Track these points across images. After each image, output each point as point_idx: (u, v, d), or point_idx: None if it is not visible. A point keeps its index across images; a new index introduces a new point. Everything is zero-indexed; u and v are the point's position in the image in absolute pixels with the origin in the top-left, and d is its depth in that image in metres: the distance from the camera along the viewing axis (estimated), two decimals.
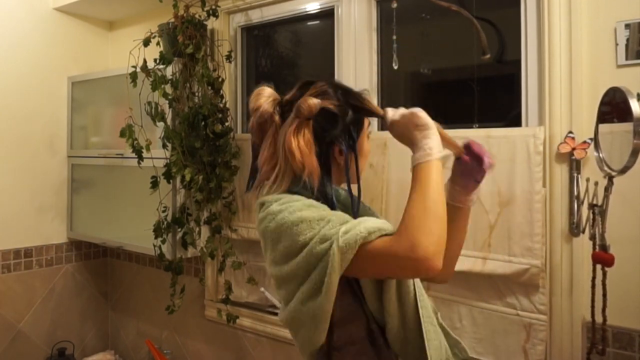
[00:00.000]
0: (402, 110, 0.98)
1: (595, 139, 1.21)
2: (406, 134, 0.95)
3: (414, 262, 0.81)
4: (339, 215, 0.89)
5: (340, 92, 0.98)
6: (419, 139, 0.92)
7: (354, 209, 0.96)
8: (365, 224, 0.85)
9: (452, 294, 1.60)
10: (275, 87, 1.02)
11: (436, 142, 0.92)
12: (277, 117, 0.98)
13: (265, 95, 0.99)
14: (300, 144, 0.93)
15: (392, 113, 0.98)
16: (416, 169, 0.90)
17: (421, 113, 0.95)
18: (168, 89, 1.98)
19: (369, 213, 1.04)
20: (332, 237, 0.84)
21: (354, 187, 0.99)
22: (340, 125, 0.96)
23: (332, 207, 0.94)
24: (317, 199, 0.94)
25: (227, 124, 2.08)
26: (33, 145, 2.50)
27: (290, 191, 0.96)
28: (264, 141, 1.00)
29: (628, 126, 1.05)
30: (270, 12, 2.12)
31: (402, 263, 0.82)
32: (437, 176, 0.89)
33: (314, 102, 0.93)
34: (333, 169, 0.99)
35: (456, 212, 1.05)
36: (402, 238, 0.82)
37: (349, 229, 0.84)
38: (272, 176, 0.98)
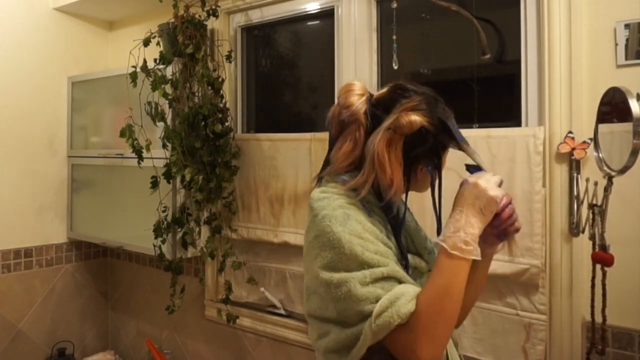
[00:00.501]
0: (492, 178, 0.92)
1: (595, 139, 1.21)
2: (468, 203, 0.90)
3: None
4: (380, 267, 0.85)
5: (435, 109, 0.93)
6: (473, 223, 0.87)
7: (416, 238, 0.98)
8: (399, 307, 0.81)
9: None
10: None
11: (478, 233, 0.88)
12: (363, 117, 0.94)
13: (358, 93, 0.96)
14: (392, 159, 0.90)
15: (482, 178, 0.91)
16: (448, 256, 0.85)
17: (500, 198, 0.89)
18: (168, 89, 1.98)
19: (420, 234, 1.06)
20: (367, 314, 0.82)
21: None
22: (429, 143, 0.92)
23: (397, 226, 0.95)
24: (381, 209, 0.94)
25: (227, 124, 2.08)
26: (33, 145, 2.50)
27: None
28: (344, 136, 0.97)
29: (628, 126, 1.05)
30: (270, 12, 2.12)
31: (405, 356, 0.83)
32: (464, 276, 0.85)
33: (416, 120, 0.89)
34: (411, 185, 0.96)
35: (477, 265, 0.95)
36: (414, 343, 0.81)
37: (383, 309, 0.81)
38: (352, 178, 0.94)
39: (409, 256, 0.95)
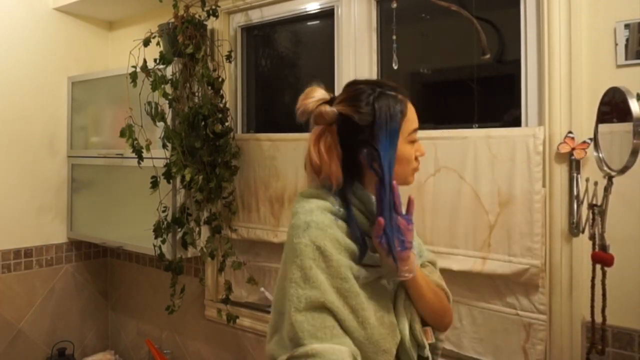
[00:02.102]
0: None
1: (595, 139, 1.21)
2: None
3: None
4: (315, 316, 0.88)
5: (375, 97, 0.95)
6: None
7: (378, 214, 0.95)
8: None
9: (452, 294, 1.60)
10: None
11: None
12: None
13: (312, 97, 0.98)
14: (320, 149, 0.94)
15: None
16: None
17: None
18: (168, 89, 1.98)
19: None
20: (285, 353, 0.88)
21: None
22: (364, 132, 0.94)
23: (349, 218, 0.95)
24: (341, 204, 0.96)
25: (227, 124, 2.08)
26: (33, 145, 2.50)
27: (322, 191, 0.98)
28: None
29: (628, 126, 1.05)
30: (270, 12, 2.12)
31: None
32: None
33: (327, 110, 0.94)
34: (367, 175, 0.97)
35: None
36: None
37: (299, 355, 0.85)
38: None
39: (372, 254, 0.96)
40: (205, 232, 2.13)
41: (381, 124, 0.94)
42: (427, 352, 1.01)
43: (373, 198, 0.97)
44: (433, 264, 1.12)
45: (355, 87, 0.99)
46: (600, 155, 1.19)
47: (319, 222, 0.92)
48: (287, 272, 0.92)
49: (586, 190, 1.36)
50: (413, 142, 1.00)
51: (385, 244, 0.92)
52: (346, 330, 0.89)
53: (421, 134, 1.49)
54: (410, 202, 0.99)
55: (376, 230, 0.93)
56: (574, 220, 1.40)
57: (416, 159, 1.01)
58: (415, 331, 1.00)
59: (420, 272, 1.01)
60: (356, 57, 1.88)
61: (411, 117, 0.99)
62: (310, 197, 0.98)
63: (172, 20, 2.03)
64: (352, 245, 0.93)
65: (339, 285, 0.89)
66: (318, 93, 0.99)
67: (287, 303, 0.89)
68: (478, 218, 1.51)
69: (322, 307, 0.88)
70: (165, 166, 2.01)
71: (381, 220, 0.92)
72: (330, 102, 0.99)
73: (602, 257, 1.21)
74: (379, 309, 0.94)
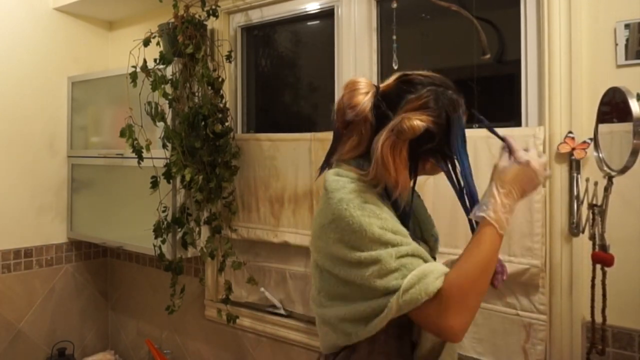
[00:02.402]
0: (539, 159, 0.94)
1: (595, 139, 1.21)
2: (519, 184, 0.92)
3: (445, 335, 0.86)
4: (404, 246, 0.87)
5: (442, 100, 0.93)
6: (515, 206, 0.91)
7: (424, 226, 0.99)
8: (427, 284, 0.83)
9: None
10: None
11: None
12: (370, 115, 0.95)
13: (363, 92, 0.95)
14: (396, 162, 0.90)
15: (526, 155, 0.93)
16: (487, 228, 0.89)
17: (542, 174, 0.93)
18: (168, 89, 1.98)
19: (428, 220, 1.11)
20: (393, 289, 0.84)
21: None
22: (436, 141, 0.93)
23: (404, 218, 0.95)
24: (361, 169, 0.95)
25: (227, 124, 2.08)
26: (33, 145, 2.50)
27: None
28: (349, 131, 0.98)
29: (628, 126, 1.05)
30: (270, 12, 2.12)
31: (435, 330, 0.86)
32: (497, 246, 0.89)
33: (419, 125, 0.89)
34: (418, 175, 0.98)
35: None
36: (445, 313, 0.84)
37: (410, 286, 0.83)
38: (361, 165, 0.96)
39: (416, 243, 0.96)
40: (205, 232, 2.13)
41: (456, 133, 0.94)
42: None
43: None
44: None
45: (420, 93, 0.93)
46: (600, 155, 1.19)
47: (353, 204, 0.89)
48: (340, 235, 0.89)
49: (586, 190, 1.36)
50: None
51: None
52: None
53: None
54: None
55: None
56: (574, 220, 1.40)
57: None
58: None
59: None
60: (356, 57, 1.88)
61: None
62: (346, 164, 0.97)
63: (172, 20, 2.03)
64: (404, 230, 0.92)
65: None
66: (365, 85, 0.96)
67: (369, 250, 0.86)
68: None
69: (412, 255, 0.87)
70: (165, 166, 2.01)
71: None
72: (382, 96, 0.95)
73: (602, 257, 1.21)
74: None
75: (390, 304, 0.84)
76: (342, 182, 0.93)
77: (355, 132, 0.97)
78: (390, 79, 0.98)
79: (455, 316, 0.83)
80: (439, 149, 0.94)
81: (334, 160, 1.01)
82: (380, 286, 0.85)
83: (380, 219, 0.88)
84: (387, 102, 0.95)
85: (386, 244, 0.86)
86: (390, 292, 0.85)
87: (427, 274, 0.84)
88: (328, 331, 0.97)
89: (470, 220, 0.97)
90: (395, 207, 0.95)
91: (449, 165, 0.97)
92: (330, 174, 0.97)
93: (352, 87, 0.97)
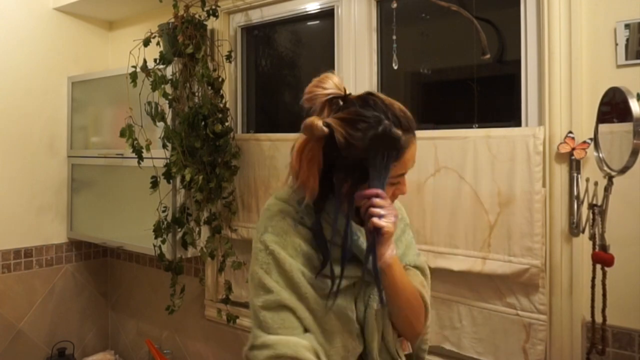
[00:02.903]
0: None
1: (595, 139, 1.21)
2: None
3: None
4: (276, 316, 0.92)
5: (375, 130, 0.87)
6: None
7: (344, 246, 0.91)
8: (269, 354, 0.89)
9: (452, 294, 1.60)
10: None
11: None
12: (325, 110, 0.92)
13: (325, 90, 0.91)
14: (302, 159, 0.90)
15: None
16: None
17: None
18: (168, 89, 1.98)
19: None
20: (252, 342, 0.93)
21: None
22: (346, 160, 0.88)
23: (316, 232, 0.94)
24: (308, 212, 0.95)
25: (227, 124, 2.07)
26: (33, 145, 2.50)
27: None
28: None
29: (628, 126, 1.05)
30: (270, 12, 2.12)
31: None
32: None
33: (318, 125, 0.86)
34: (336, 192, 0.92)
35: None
36: None
37: (255, 346, 0.91)
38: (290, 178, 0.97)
39: (349, 267, 0.93)
40: (205, 232, 2.13)
41: (371, 164, 0.87)
42: None
43: (343, 221, 0.91)
44: (421, 269, 1.07)
45: (360, 111, 0.89)
46: (601, 155, 1.19)
47: (277, 227, 0.95)
48: (251, 272, 0.98)
49: (586, 190, 1.36)
50: (394, 184, 0.94)
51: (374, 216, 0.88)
52: (307, 328, 0.93)
53: (421, 134, 1.49)
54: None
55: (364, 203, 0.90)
56: (574, 220, 1.40)
57: (394, 196, 0.97)
58: (388, 342, 0.99)
59: (399, 267, 0.96)
60: (356, 57, 1.88)
61: (406, 159, 0.92)
62: (279, 200, 1.00)
63: (172, 20, 2.03)
64: (311, 252, 0.94)
65: (293, 288, 0.92)
66: (331, 84, 0.91)
67: (252, 300, 0.95)
68: (478, 218, 1.51)
69: (281, 306, 0.91)
70: (165, 166, 2.01)
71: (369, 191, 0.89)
72: (343, 98, 0.92)
73: (602, 257, 1.21)
74: (340, 326, 0.96)
75: (244, 351, 0.95)
76: (267, 215, 0.99)
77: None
78: (360, 94, 0.95)
79: None
80: (347, 167, 0.89)
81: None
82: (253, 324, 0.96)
83: (278, 271, 0.93)
84: (343, 107, 0.91)
85: (267, 290, 0.93)
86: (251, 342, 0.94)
87: (270, 346, 0.90)
88: None
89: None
90: (314, 225, 0.94)
91: (344, 188, 0.90)
92: (267, 204, 1.03)
93: (319, 80, 0.93)
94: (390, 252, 0.91)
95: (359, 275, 0.95)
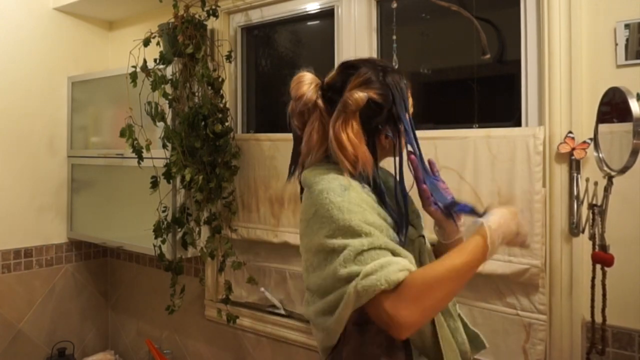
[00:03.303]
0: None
1: (595, 139, 1.21)
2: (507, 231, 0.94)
3: (390, 326, 0.82)
4: (375, 238, 0.86)
5: (383, 75, 0.98)
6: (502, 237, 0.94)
7: (397, 196, 0.95)
8: (389, 272, 0.81)
9: None
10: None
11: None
12: (320, 102, 0.99)
13: (307, 83, 1.01)
14: (350, 137, 0.93)
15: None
16: (478, 238, 0.89)
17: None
18: (168, 89, 1.98)
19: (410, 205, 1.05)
20: (354, 275, 0.82)
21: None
22: (385, 111, 0.96)
23: (381, 195, 0.95)
24: (368, 184, 0.95)
25: (227, 124, 2.07)
26: (33, 145, 2.50)
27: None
28: (309, 125, 1.02)
29: (628, 126, 1.05)
30: (270, 12, 2.12)
31: (384, 318, 0.82)
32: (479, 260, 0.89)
33: (361, 96, 0.93)
34: (379, 153, 0.99)
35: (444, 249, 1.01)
36: (398, 303, 0.81)
37: (370, 272, 0.81)
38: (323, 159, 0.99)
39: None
40: (205, 232, 2.13)
41: (399, 101, 0.97)
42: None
43: (389, 178, 1.00)
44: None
45: (361, 70, 0.98)
46: (600, 155, 1.19)
47: (334, 192, 0.89)
48: (319, 227, 0.88)
49: (586, 190, 1.36)
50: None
51: (442, 207, 0.97)
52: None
53: (421, 134, 1.48)
54: (432, 164, 1.06)
55: (425, 199, 0.99)
56: (574, 220, 1.40)
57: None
58: None
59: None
60: (356, 57, 1.87)
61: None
62: (321, 163, 0.98)
63: (172, 20, 2.03)
64: (386, 216, 0.93)
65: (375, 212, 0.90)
66: (308, 77, 1.02)
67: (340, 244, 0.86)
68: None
69: (381, 248, 0.86)
70: (165, 166, 2.01)
71: (425, 187, 0.97)
72: (329, 87, 1.01)
73: (602, 257, 1.21)
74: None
75: (349, 289, 0.82)
76: (320, 175, 0.94)
77: (315, 124, 1.00)
78: (333, 70, 1.04)
79: (408, 309, 0.80)
80: (388, 121, 0.97)
81: (307, 165, 1.02)
82: (344, 273, 0.83)
83: (360, 207, 0.88)
84: (334, 89, 0.99)
85: (359, 234, 0.85)
86: (353, 278, 0.83)
87: (390, 264, 0.82)
88: (315, 332, 0.97)
89: (434, 204, 1.01)
90: (376, 190, 0.95)
91: (397, 139, 0.97)
92: (306, 171, 0.98)
93: (296, 81, 1.02)
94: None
95: (412, 232, 0.99)
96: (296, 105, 1.00)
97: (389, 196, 0.97)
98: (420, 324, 0.84)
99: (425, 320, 0.85)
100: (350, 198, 0.88)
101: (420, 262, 0.99)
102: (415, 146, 0.98)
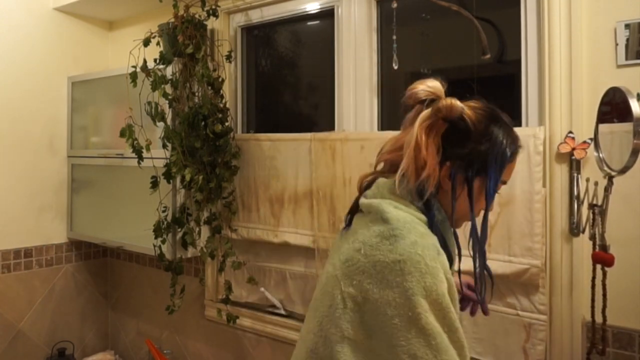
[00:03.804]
0: None
1: (595, 139, 1.21)
2: None
3: None
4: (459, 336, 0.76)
5: (502, 127, 0.89)
6: None
7: (450, 249, 0.88)
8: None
9: None
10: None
11: None
12: (423, 106, 0.90)
13: (429, 89, 0.91)
14: (429, 143, 0.85)
15: None
16: None
17: None
18: (168, 89, 1.98)
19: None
20: None
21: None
22: (467, 148, 0.87)
23: (432, 225, 0.85)
24: (419, 209, 0.86)
25: (227, 124, 2.07)
26: (33, 145, 2.50)
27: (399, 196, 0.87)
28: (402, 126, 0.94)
29: (628, 126, 1.05)
30: (270, 12, 2.12)
31: None
32: None
33: (456, 104, 0.85)
34: (440, 190, 0.88)
35: None
36: None
37: None
38: (398, 171, 0.87)
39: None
40: (205, 232, 2.13)
41: (495, 152, 0.87)
42: None
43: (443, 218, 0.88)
44: None
45: (489, 106, 0.92)
46: (601, 155, 1.19)
47: (429, 253, 0.77)
48: (393, 333, 0.74)
49: (586, 190, 1.36)
50: (496, 192, 0.92)
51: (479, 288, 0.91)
52: None
53: None
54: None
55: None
56: (574, 221, 1.40)
57: (480, 211, 0.93)
58: None
59: None
60: (356, 57, 1.88)
61: (512, 167, 0.92)
62: (399, 198, 0.86)
63: (172, 20, 2.03)
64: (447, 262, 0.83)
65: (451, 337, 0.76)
66: (435, 85, 0.91)
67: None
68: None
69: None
70: (165, 166, 2.01)
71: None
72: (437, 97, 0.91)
73: (602, 257, 1.21)
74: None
75: None
76: (409, 220, 0.82)
77: (405, 125, 0.92)
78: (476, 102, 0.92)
79: None
80: (465, 161, 0.87)
81: (383, 166, 0.94)
82: None
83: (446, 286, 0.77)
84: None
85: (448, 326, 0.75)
86: None
87: None
88: None
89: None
90: (427, 208, 0.86)
91: (460, 186, 0.88)
92: (386, 204, 0.85)
93: (420, 80, 0.94)
94: None
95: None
96: (405, 98, 0.92)
97: (443, 230, 0.87)
98: None
99: None
100: (438, 272, 0.77)
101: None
102: (489, 204, 0.89)
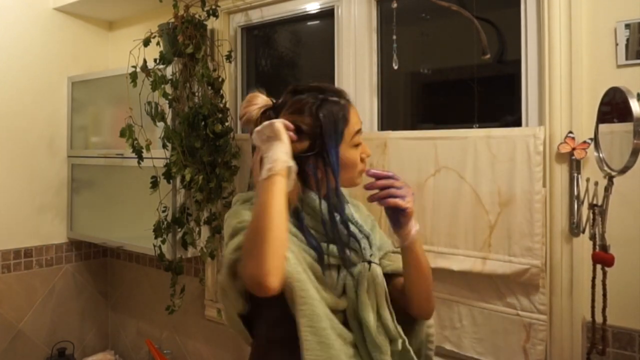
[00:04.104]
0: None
1: (595, 139, 1.21)
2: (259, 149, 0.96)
3: (251, 285, 0.84)
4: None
5: (317, 107, 1.00)
6: (264, 151, 0.93)
7: (325, 227, 0.99)
8: (229, 249, 0.94)
9: (452, 294, 1.60)
10: (275, 87, 1.03)
11: (279, 152, 0.91)
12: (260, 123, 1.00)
13: (254, 103, 1.04)
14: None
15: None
16: (262, 180, 0.90)
17: (275, 124, 0.94)
18: (168, 89, 1.98)
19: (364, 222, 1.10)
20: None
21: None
22: (309, 147, 0.99)
23: (303, 226, 1.00)
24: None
25: (227, 124, 2.07)
26: (33, 145, 2.50)
27: None
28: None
29: (628, 126, 1.05)
30: (270, 12, 2.12)
31: (247, 284, 0.86)
32: (274, 192, 0.88)
33: (279, 127, 0.94)
34: (310, 182, 1.01)
35: (403, 253, 1.02)
36: (243, 267, 0.87)
37: (227, 253, 0.95)
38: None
39: (327, 246, 1.00)
40: (205, 232, 2.13)
41: (328, 133, 0.98)
42: (400, 345, 1.01)
43: (316, 199, 1.00)
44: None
45: (297, 98, 1.01)
46: (601, 155, 1.19)
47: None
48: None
49: (586, 190, 1.36)
50: (357, 145, 1.03)
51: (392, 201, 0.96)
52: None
53: (421, 134, 1.49)
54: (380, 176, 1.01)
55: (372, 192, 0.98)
56: (575, 221, 1.40)
57: (362, 160, 1.04)
58: (385, 320, 0.99)
59: (421, 242, 1.02)
60: (356, 57, 1.88)
61: (353, 120, 1.02)
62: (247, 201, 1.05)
63: (172, 20, 2.03)
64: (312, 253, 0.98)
65: None
66: (260, 100, 1.04)
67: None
68: (478, 218, 1.51)
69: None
70: (165, 166, 2.01)
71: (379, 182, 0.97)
72: (273, 108, 1.03)
73: (602, 257, 1.21)
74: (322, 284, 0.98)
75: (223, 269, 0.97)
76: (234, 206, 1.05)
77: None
78: (284, 93, 1.05)
79: (247, 265, 0.84)
80: (317, 153, 0.99)
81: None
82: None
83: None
84: (276, 112, 1.02)
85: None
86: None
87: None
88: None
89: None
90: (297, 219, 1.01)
91: (319, 173, 1.00)
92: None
93: (245, 100, 1.06)
94: (416, 228, 0.99)
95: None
96: (242, 124, 1.06)
97: (316, 220, 1.01)
98: (262, 271, 0.82)
99: (264, 263, 0.82)
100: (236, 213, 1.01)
101: (357, 287, 0.99)
102: (335, 183, 0.99)
